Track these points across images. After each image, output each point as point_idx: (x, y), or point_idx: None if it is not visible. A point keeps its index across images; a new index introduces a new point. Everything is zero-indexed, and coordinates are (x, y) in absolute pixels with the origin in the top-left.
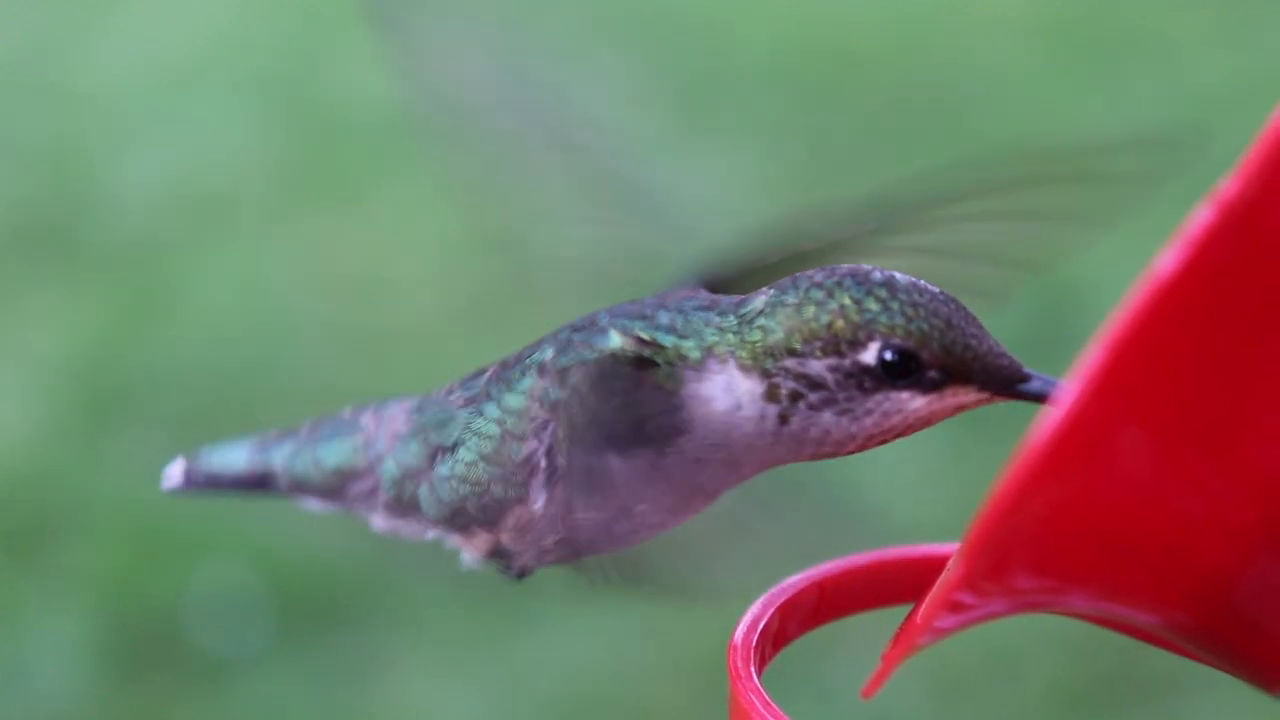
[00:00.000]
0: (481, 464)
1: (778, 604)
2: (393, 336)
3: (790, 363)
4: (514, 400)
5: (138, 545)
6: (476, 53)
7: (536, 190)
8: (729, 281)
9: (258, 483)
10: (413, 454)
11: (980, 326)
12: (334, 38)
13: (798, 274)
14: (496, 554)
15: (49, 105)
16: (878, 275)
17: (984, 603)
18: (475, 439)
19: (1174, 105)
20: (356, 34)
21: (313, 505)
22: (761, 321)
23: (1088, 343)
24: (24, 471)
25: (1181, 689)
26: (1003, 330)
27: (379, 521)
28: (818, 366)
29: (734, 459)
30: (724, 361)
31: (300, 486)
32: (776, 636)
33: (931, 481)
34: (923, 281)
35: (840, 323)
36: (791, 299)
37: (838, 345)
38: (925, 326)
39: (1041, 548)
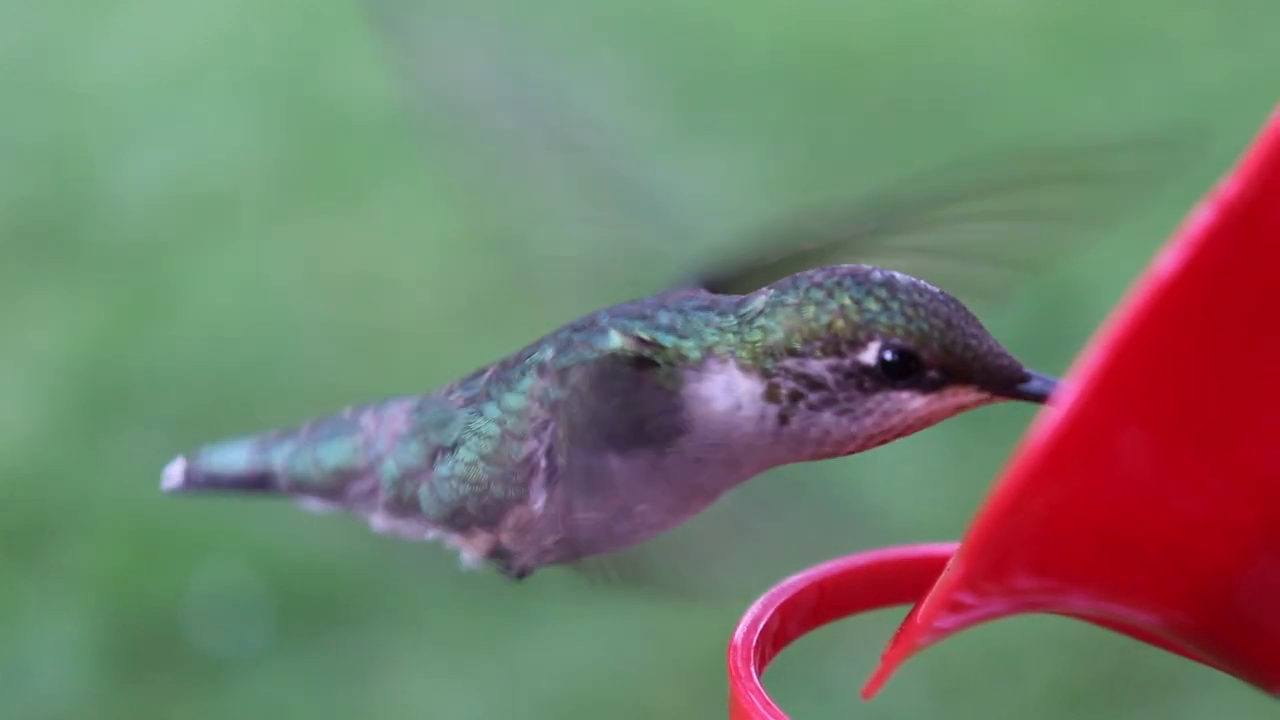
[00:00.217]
0: (481, 464)
1: (778, 604)
2: (393, 336)
3: (790, 363)
4: (514, 400)
5: (138, 545)
6: (476, 52)
7: (536, 190)
8: (729, 281)
9: (258, 483)
10: (413, 454)
11: (980, 326)
12: (334, 38)
13: (798, 274)
14: (496, 554)
15: (49, 105)
16: (878, 275)
17: (984, 603)
18: (475, 439)
19: (1174, 105)
20: (356, 34)
21: (313, 505)
22: (761, 321)
23: (1088, 343)
24: (24, 471)
25: (1181, 689)
26: (1003, 330)
27: (379, 521)
28: (818, 366)
29: (734, 459)
30: (724, 361)
31: (300, 486)
32: (776, 636)
33: (931, 481)
34: (923, 281)
35: (840, 323)
36: (791, 299)
37: (838, 345)
38: (925, 326)
39: (1041, 548)
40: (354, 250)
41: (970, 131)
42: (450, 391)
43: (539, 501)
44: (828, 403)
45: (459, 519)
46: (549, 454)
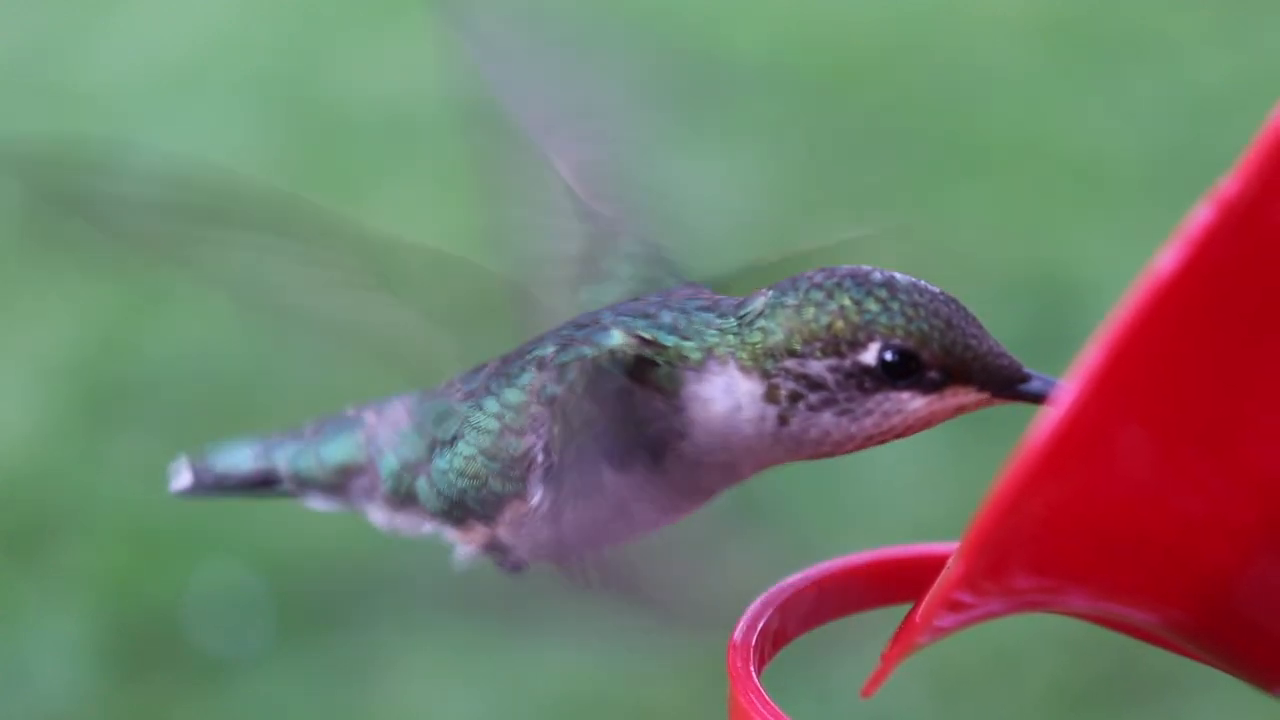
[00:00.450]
0: (480, 458)
1: (777, 603)
2: None
3: (790, 363)
4: (513, 395)
5: (138, 545)
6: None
7: (539, 184)
8: (727, 280)
9: (263, 482)
10: (411, 447)
11: (980, 326)
12: (334, 38)
13: (797, 275)
14: (492, 547)
15: (49, 105)
16: (877, 276)
17: (983, 602)
18: (474, 433)
19: (1174, 105)
20: (356, 34)
21: (318, 504)
22: (761, 323)
23: (1087, 343)
24: (24, 471)
25: (1181, 689)
26: (1003, 330)
27: (377, 515)
28: (818, 367)
29: (732, 460)
30: (724, 363)
31: (305, 485)
32: (776, 636)
33: (931, 481)
34: (923, 282)
35: (840, 323)
36: (791, 300)
37: (838, 346)
38: (925, 327)
39: (1041, 547)
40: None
41: (970, 131)
42: (451, 386)
43: (536, 497)
44: (828, 403)
45: (456, 512)
46: (547, 449)
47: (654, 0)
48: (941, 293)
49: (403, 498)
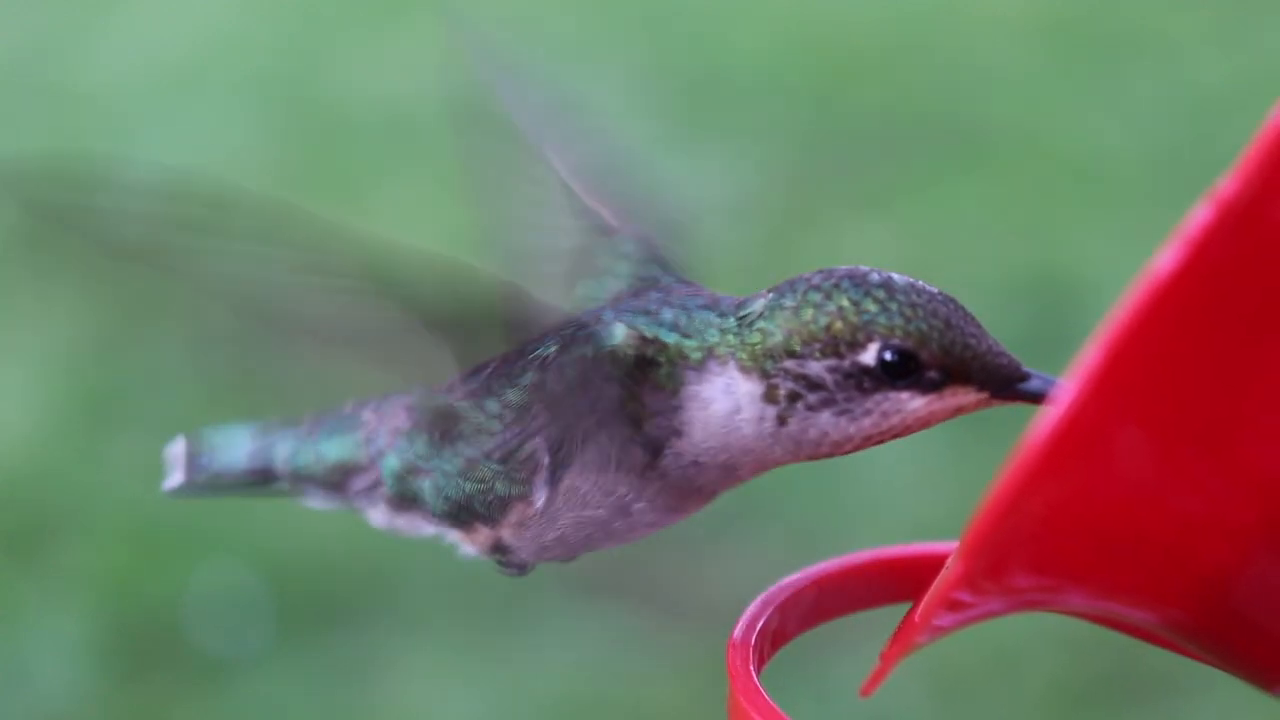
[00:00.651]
0: (482, 460)
1: (777, 603)
2: None
3: (790, 364)
4: (515, 395)
5: (138, 545)
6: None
7: (537, 182)
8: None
9: (260, 478)
10: (415, 449)
11: (979, 326)
12: (334, 38)
13: (795, 277)
14: (496, 549)
15: (49, 105)
16: (875, 277)
17: (982, 601)
18: (476, 434)
19: (1174, 105)
20: (356, 34)
21: (315, 502)
22: (761, 324)
23: (1087, 343)
24: (24, 471)
25: (1181, 689)
26: (1003, 330)
27: (378, 517)
28: (817, 368)
29: (732, 460)
30: (724, 363)
31: (302, 482)
32: (775, 635)
33: (931, 482)
34: (921, 282)
35: (839, 324)
36: (790, 302)
37: (837, 346)
38: (924, 326)
39: (1040, 547)
40: None
41: (970, 132)
42: (452, 386)
43: (540, 498)
44: (826, 403)
45: (461, 515)
46: (550, 450)
47: (654, 1)
48: (940, 293)
49: (406, 500)
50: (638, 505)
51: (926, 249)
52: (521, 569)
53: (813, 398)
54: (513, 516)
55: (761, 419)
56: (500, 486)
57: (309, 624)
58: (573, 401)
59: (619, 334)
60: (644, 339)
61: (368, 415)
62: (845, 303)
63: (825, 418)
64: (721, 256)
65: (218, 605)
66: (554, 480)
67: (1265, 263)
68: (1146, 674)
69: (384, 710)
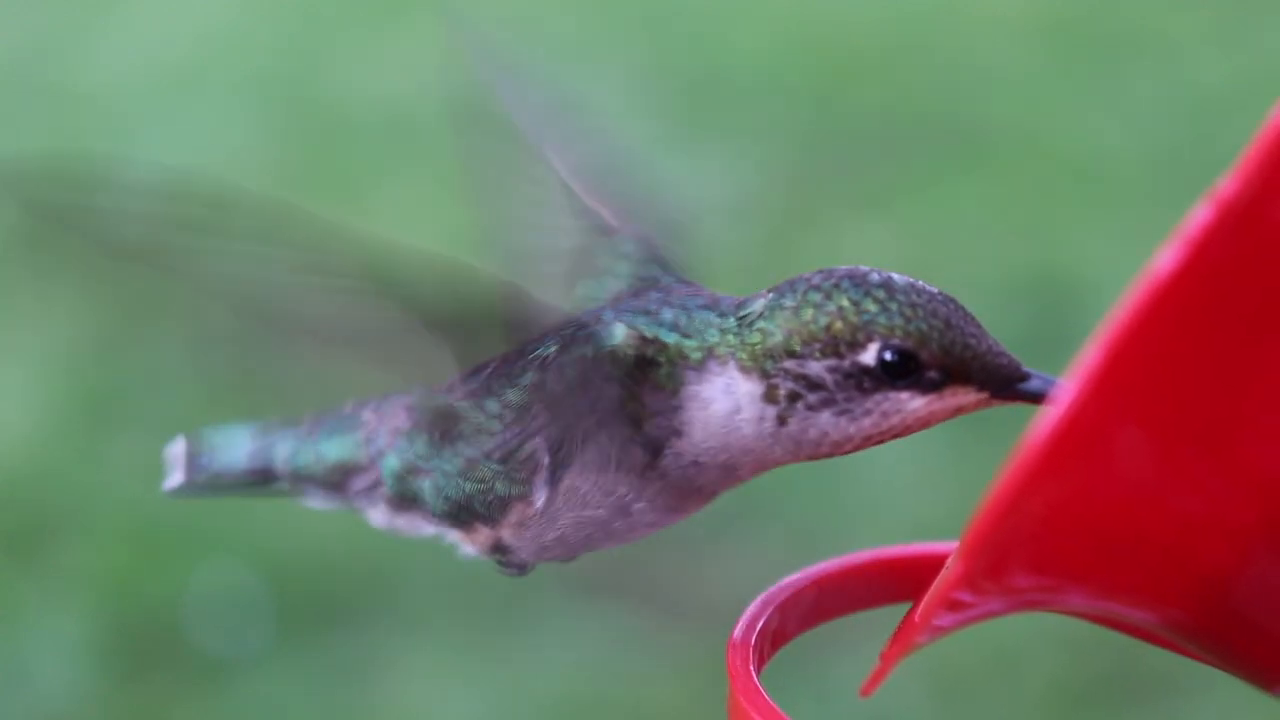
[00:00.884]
0: (482, 460)
1: (776, 603)
2: None
3: (789, 364)
4: (515, 395)
5: (138, 545)
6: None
7: (537, 182)
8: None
9: (260, 478)
10: (415, 450)
11: (979, 326)
12: (334, 38)
13: (795, 278)
14: (496, 549)
15: (49, 105)
16: (875, 277)
17: (982, 601)
18: (476, 434)
19: (1174, 105)
20: (356, 34)
21: (315, 501)
22: (761, 324)
23: (1087, 342)
24: (24, 471)
25: (1181, 689)
26: (1003, 330)
27: (378, 517)
28: (817, 368)
29: (732, 460)
30: (724, 363)
31: (302, 481)
32: (775, 635)
33: (931, 482)
34: (920, 282)
35: (839, 324)
36: (789, 302)
37: (837, 346)
38: (924, 326)
39: (1040, 546)
40: None
41: (970, 132)
42: (452, 386)
43: (540, 498)
44: (826, 403)
45: (461, 515)
46: (550, 450)
47: (654, 1)
48: (939, 292)
49: (406, 500)
50: (637, 505)
51: (926, 249)
52: (521, 569)
53: (813, 398)
54: (513, 517)
55: (761, 419)
56: (500, 487)
57: (309, 624)
58: (573, 401)
59: (619, 334)
60: (644, 339)
61: (368, 415)
62: (845, 303)
63: (825, 418)
64: (721, 256)
65: (218, 605)
66: (554, 480)
67: (1265, 263)
68: (1146, 674)
69: (384, 710)
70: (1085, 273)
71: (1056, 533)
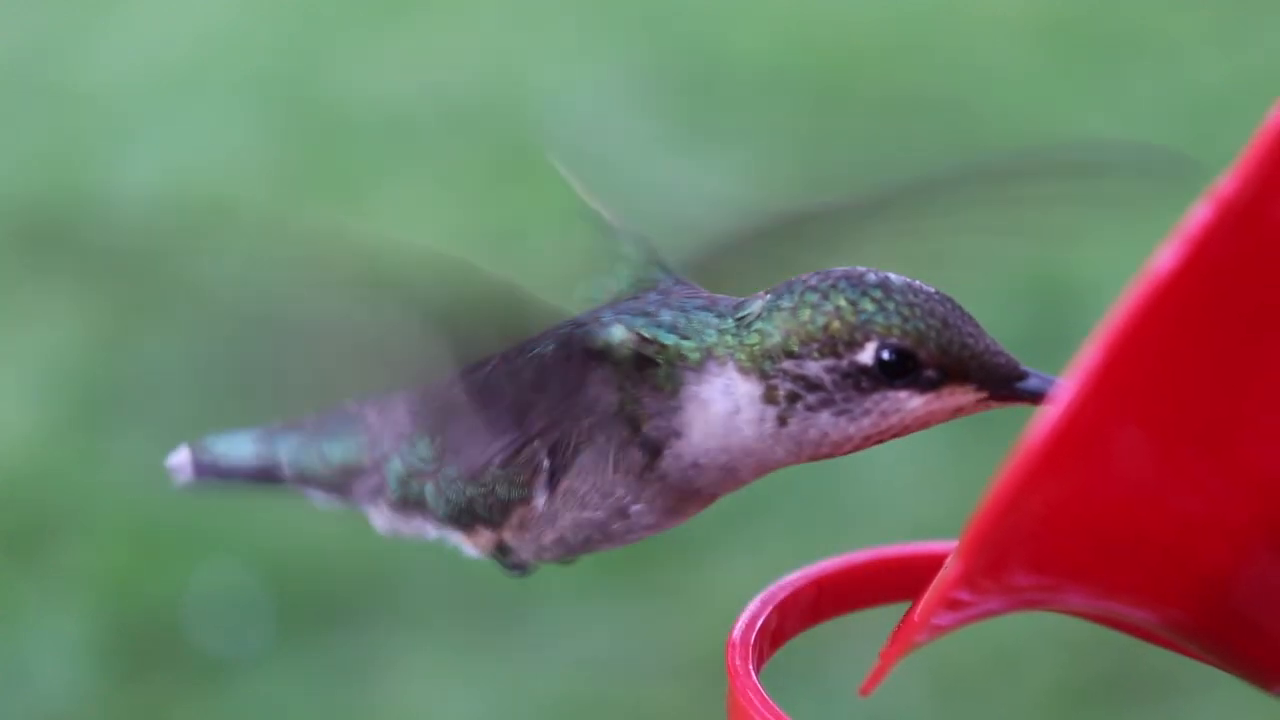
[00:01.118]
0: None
1: (776, 602)
2: None
3: (788, 364)
4: (514, 396)
5: (138, 545)
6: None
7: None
8: (725, 278)
9: (265, 475)
10: (419, 453)
11: (977, 325)
12: (334, 38)
13: (793, 279)
14: (498, 550)
15: (49, 105)
16: (872, 276)
17: (981, 600)
18: (477, 436)
19: (1174, 105)
20: (356, 34)
21: (318, 500)
22: (759, 325)
23: (1087, 342)
24: (24, 471)
25: (1181, 689)
26: (1003, 330)
27: (381, 519)
28: (815, 368)
29: (731, 461)
30: (723, 364)
31: (306, 480)
32: (775, 634)
33: (931, 482)
34: (918, 281)
35: (836, 324)
36: (787, 302)
37: (835, 346)
38: (922, 326)
39: (1039, 546)
40: None
41: (970, 132)
42: (453, 385)
43: (540, 500)
44: (825, 403)
45: (464, 518)
46: (549, 452)
47: (655, 1)
48: (937, 292)
49: (410, 504)
50: (636, 507)
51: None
52: (524, 569)
53: (812, 398)
54: (514, 519)
55: (761, 419)
56: (501, 489)
57: (309, 624)
58: (571, 403)
59: (618, 335)
60: (643, 340)
61: (371, 415)
62: (842, 302)
63: (824, 418)
64: (718, 254)
65: (218, 605)
66: (553, 482)
67: (1265, 262)
68: (1146, 674)
69: (384, 710)
70: (1085, 273)
71: (1056, 532)
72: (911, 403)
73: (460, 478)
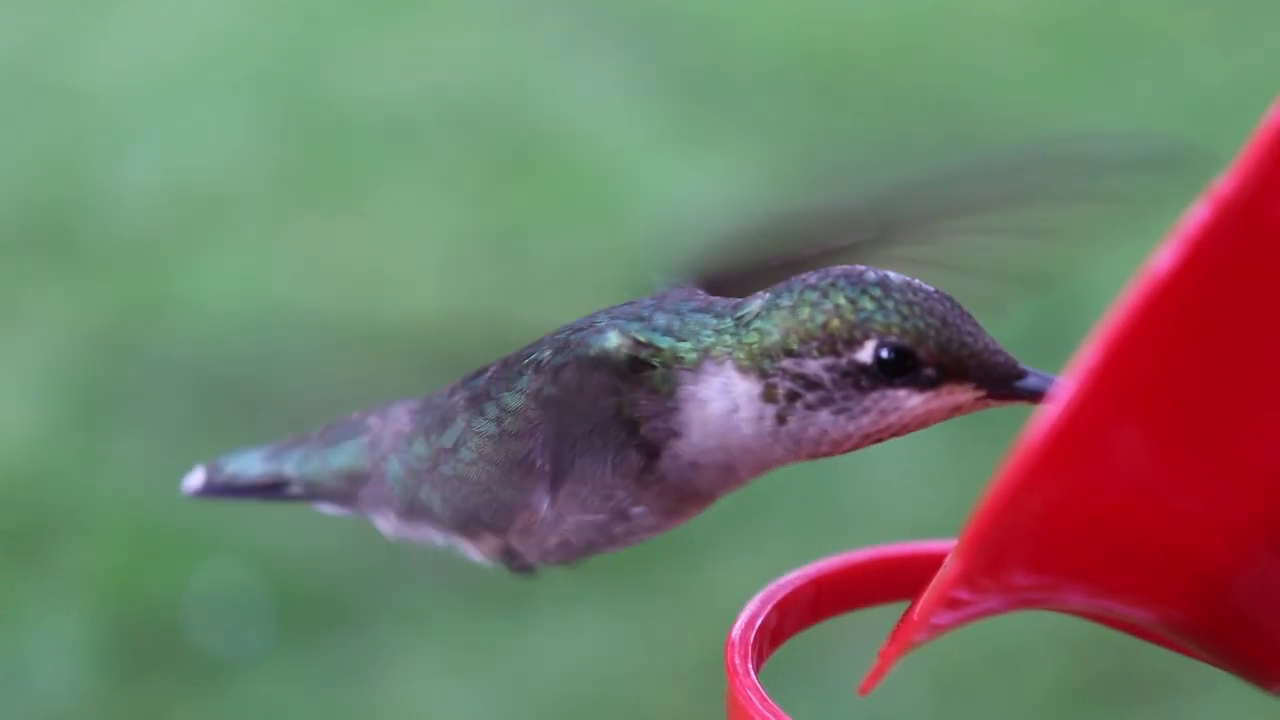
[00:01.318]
0: (481, 464)
1: (775, 601)
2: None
3: (787, 363)
4: (512, 399)
5: (138, 545)
6: None
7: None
8: (726, 282)
9: (274, 488)
10: (416, 455)
11: (976, 324)
12: (334, 38)
13: (792, 278)
14: (505, 554)
15: (49, 105)
16: (871, 275)
17: (981, 599)
18: (475, 439)
19: (1174, 105)
20: (356, 34)
21: (328, 509)
22: (758, 324)
23: (1086, 342)
24: (24, 471)
25: (1181, 689)
26: (1002, 330)
27: (387, 525)
28: (814, 366)
29: (731, 461)
30: (721, 363)
31: (314, 490)
32: (774, 634)
33: (931, 481)
34: (917, 280)
35: (836, 322)
36: (786, 301)
37: (834, 345)
38: (921, 324)
39: (1038, 545)
40: (354, 250)
41: (970, 132)
42: (453, 391)
43: (542, 505)
44: (825, 402)
45: (470, 525)
46: (546, 454)
47: (655, 1)
48: (936, 290)
49: (416, 510)
50: (637, 509)
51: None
52: (530, 571)
53: (811, 396)
54: (517, 523)
55: (760, 418)
56: (503, 493)
57: (309, 624)
58: (568, 408)
59: (613, 340)
60: (638, 343)
61: (373, 422)
62: (842, 301)
63: (824, 416)
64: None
65: (218, 605)
66: (553, 486)
67: (1264, 261)
68: (1146, 674)
69: (384, 710)
70: (1085, 273)
71: (1055, 531)
72: (910, 401)
73: (462, 481)
